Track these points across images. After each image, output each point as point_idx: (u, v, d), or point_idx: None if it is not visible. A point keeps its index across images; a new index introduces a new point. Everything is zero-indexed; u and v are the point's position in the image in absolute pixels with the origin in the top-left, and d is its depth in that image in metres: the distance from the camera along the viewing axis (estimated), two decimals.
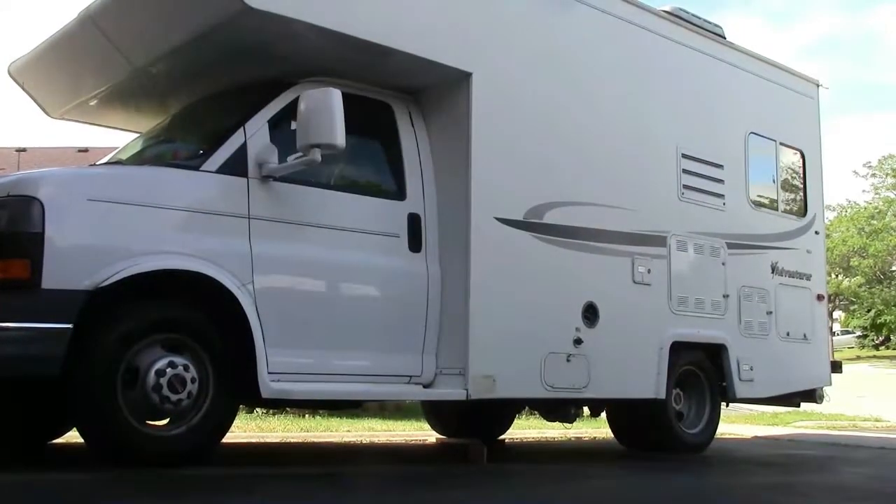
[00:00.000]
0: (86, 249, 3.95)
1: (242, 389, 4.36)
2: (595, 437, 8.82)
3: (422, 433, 8.41)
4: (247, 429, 7.88)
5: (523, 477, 5.04)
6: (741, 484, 5.20)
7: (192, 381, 4.15)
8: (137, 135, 5.96)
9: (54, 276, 3.84)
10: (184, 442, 4.17)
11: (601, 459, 6.64)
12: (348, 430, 8.32)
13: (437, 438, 7.61)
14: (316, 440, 7.54)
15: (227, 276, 4.29)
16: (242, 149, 4.53)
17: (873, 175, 41.42)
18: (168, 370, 4.07)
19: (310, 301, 4.69)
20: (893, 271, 40.74)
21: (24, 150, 33.45)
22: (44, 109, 6.07)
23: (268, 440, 7.37)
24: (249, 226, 4.46)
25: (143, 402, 4.06)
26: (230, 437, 6.92)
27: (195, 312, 4.26)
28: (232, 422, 4.51)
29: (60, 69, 5.67)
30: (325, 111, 4.34)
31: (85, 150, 33.02)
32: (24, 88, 5.95)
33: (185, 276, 4.19)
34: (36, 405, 5.15)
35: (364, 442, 7.61)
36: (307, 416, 9.42)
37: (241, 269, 4.35)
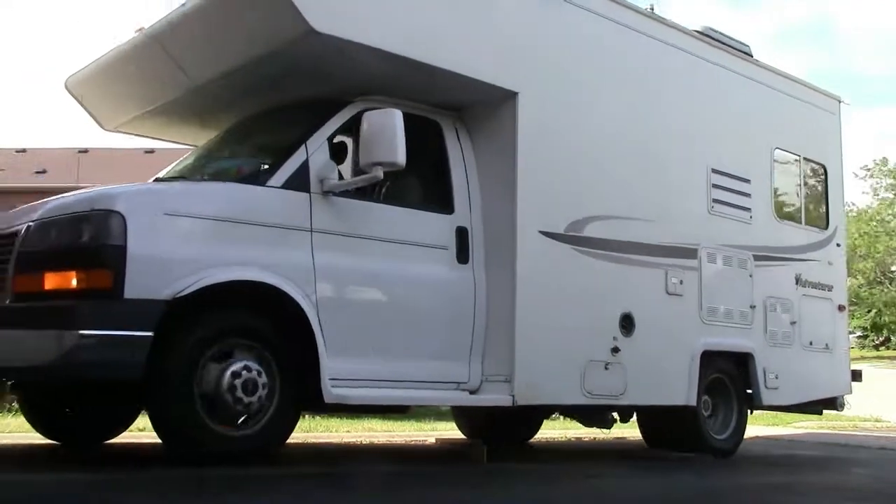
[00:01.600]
0: (164, 261, 4.16)
1: (305, 395, 4.57)
2: (595, 438, 8.94)
3: (422, 433, 8.51)
4: None
5: (524, 476, 5.08)
6: (742, 484, 5.27)
7: (263, 385, 4.37)
8: (182, 146, 6.20)
9: (136, 287, 4.05)
10: (251, 442, 4.38)
11: (601, 459, 6.77)
12: (348, 431, 8.38)
13: (436, 439, 7.80)
14: (316, 440, 7.59)
15: (293, 287, 4.50)
16: (304, 165, 4.74)
17: (871, 176, 41.60)
18: (243, 373, 4.29)
19: (366, 310, 4.90)
20: (893, 272, 40.86)
21: (23, 150, 33.70)
22: (98, 122, 6.30)
23: None
24: (312, 239, 4.68)
25: (217, 405, 4.27)
26: None
27: (263, 321, 4.48)
28: (295, 426, 4.72)
29: (119, 85, 5.90)
30: (387, 131, 4.57)
31: (85, 151, 32.86)
32: (80, 102, 6.18)
33: (255, 287, 4.41)
34: (95, 406, 5.40)
35: (364, 442, 7.68)
36: (307, 416, 9.48)
37: (304, 280, 4.57)
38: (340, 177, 4.89)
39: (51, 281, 4.11)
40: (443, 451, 7.07)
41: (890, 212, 40.71)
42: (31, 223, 4.24)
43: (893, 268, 40.33)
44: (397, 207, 5.21)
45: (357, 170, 4.88)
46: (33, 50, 65.46)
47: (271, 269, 4.46)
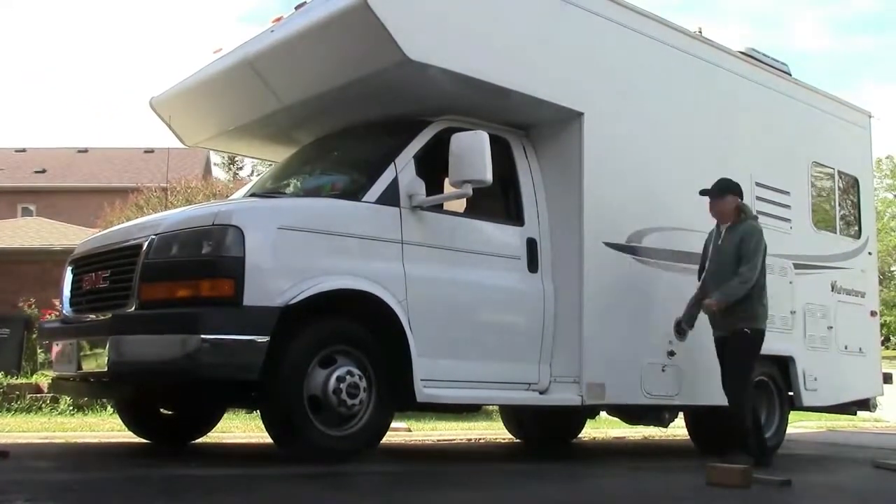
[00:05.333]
0: (278, 271, 4.54)
1: (398, 395, 4.94)
2: (595, 438, 9.17)
3: (421, 433, 8.65)
4: (246, 429, 7.92)
5: (524, 476, 5.12)
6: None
7: (363, 389, 4.73)
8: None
9: (254, 295, 4.42)
10: (352, 441, 4.74)
11: (602, 459, 6.95)
12: None
13: (435, 440, 8.10)
14: None
15: (388, 294, 4.88)
16: (394, 182, 5.12)
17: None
18: (346, 377, 4.66)
19: (450, 315, 5.25)
20: (893, 271, 41.19)
21: (23, 150, 33.75)
22: (180, 138, 6.70)
23: (268, 440, 7.44)
24: (402, 250, 5.05)
25: (322, 406, 4.63)
26: (230, 438, 7.12)
27: (361, 327, 4.86)
28: (389, 425, 5.08)
29: (205, 105, 6.30)
30: (475, 151, 4.94)
31: (84, 151, 33.64)
32: (164, 120, 6.57)
33: (355, 295, 4.78)
34: (184, 409, 5.78)
35: None
36: None
37: (397, 288, 4.94)
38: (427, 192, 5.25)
39: (176, 290, 4.49)
40: (442, 451, 7.24)
41: (890, 211, 41.05)
42: (154, 236, 4.62)
43: (893, 268, 40.62)
44: (476, 220, 5.58)
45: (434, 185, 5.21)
46: (33, 50, 65.89)
47: (369, 278, 4.84)
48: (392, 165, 5.18)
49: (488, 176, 4.96)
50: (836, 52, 64.80)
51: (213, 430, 6.30)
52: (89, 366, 4.74)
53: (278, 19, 5.76)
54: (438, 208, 5.39)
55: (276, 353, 4.44)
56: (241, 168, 33.84)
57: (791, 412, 7.51)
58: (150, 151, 32.84)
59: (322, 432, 4.64)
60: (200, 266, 4.48)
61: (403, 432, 8.53)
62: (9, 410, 9.66)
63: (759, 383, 7.03)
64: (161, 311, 4.50)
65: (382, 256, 4.97)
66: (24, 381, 10.68)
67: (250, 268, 4.44)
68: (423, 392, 4.95)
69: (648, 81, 6.39)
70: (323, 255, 4.74)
